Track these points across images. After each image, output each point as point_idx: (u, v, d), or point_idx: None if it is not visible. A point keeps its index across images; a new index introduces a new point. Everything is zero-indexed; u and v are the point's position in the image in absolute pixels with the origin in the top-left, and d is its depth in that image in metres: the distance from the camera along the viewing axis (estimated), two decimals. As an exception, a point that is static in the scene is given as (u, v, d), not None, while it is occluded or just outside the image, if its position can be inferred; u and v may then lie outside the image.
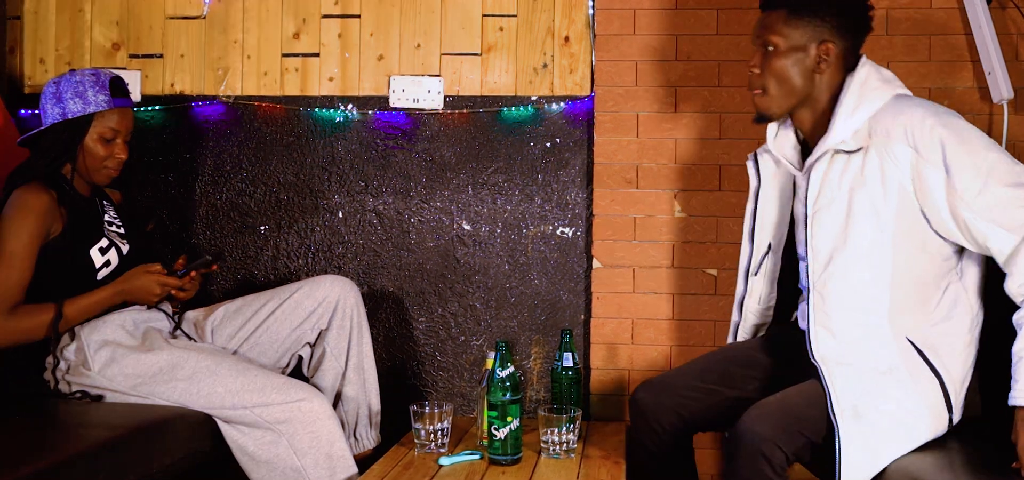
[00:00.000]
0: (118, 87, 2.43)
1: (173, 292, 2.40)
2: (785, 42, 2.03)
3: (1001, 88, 2.64)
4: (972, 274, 1.99)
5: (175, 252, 3.01)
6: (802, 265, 2.07)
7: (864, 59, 2.04)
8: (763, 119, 2.11)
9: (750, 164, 2.24)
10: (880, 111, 1.95)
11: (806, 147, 2.14)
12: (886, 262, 1.92)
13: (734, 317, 2.34)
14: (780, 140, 2.17)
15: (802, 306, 2.09)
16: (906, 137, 1.89)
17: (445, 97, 2.98)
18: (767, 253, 2.23)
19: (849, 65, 2.04)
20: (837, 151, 1.97)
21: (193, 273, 2.41)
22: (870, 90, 1.98)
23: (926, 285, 1.95)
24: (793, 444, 1.84)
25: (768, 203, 2.20)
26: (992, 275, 1.97)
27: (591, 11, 2.93)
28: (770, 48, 2.04)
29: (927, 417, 1.91)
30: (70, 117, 2.36)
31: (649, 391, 2.19)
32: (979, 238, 1.86)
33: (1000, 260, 1.86)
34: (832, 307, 1.95)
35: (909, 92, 2.02)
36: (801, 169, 2.09)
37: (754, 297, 2.25)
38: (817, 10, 2.02)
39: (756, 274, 2.25)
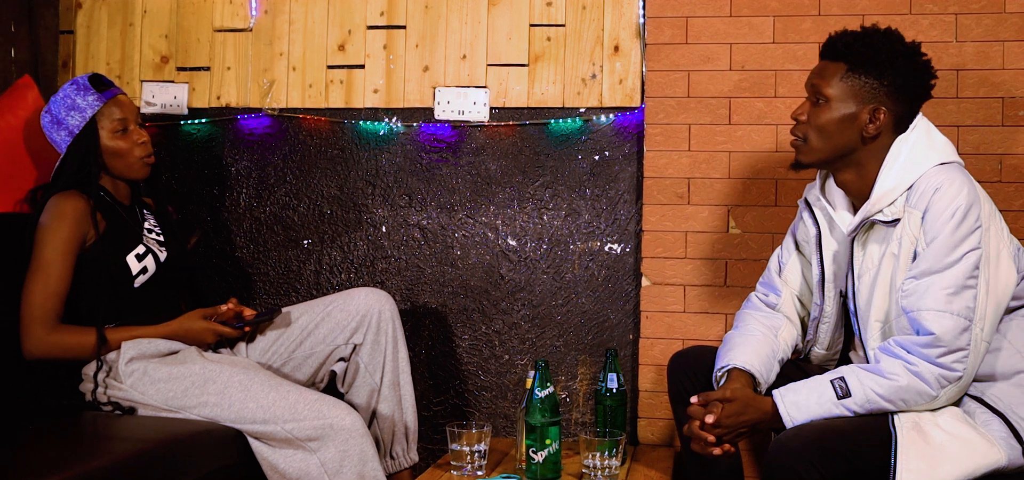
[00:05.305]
0: (100, 82, 2.43)
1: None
2: (838, 97, 1.95)
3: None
4: (1017, 327, 1.90)
5: (218, 270, 2.99)
6: (854, 319, 2.03)
7: (920, 120, 1.96)
8: (800, 167, 2.04)
9: (806, 212, 2.12)
10: (918, 180, 1.88)
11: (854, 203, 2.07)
12: None
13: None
14: (832, 192, 2.08)
15: (860, 353, 2.05)
16: (925, 214, 1.84)
17: (491, 109, 2.90)
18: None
19: (901, 128, 1.95)
20: (875, 221, 1.93)
21: (247, 328, 2.42)
22: (915, 159, 1.90)
23: None
24: (831, 466, 1.73)
25: (830, 251, 2.08)
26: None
27: (642, 19, 2.83)
28: (821, 100, 1.96)
29: (995, 445, 1.80)
30: (76, 132, 2.37)
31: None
32: (902, 298, 1.85)
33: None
34: None
35: (958, 161, 1.93)
36: (846, 231, 2.02)
37: (821, 344, 2.13)
38: (877, 71, 1.92)
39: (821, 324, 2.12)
